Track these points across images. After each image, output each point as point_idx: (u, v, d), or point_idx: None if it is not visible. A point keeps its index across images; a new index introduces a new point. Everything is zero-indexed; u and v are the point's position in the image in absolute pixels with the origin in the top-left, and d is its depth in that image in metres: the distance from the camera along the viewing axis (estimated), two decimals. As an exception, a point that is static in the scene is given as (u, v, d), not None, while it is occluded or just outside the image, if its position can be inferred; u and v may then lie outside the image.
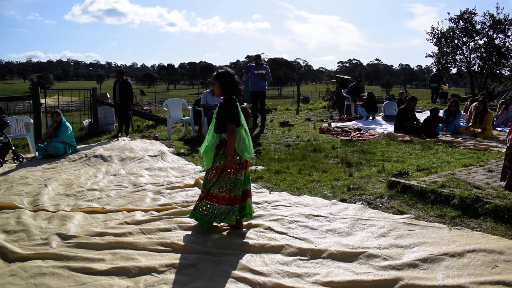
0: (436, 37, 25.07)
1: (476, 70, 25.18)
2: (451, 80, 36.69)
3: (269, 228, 4.09)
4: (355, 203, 4.85)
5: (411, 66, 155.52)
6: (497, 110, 12.72)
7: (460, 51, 25.06)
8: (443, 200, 4.65)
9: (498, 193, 4.68)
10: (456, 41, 24.85)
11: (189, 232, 4.05)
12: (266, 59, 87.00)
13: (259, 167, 6.72)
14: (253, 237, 3.93)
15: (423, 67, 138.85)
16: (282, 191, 5.42)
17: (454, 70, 26.64)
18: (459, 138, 9.38)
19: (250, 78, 11.39)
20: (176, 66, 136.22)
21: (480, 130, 9.79)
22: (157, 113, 15.78)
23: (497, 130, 10.77)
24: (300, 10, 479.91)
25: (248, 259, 3.43)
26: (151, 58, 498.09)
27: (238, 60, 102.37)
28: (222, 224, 4.17)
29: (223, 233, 4.06)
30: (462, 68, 25.92)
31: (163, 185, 5.92)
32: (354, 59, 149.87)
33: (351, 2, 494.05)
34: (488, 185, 5.07)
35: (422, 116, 11.05)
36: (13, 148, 8.09)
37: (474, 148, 8.11)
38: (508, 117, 11.40)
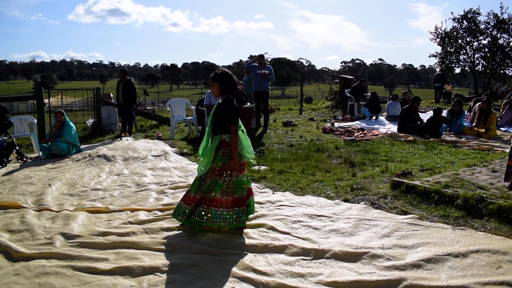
0: (439, 37, 25.00)
1: (480, 70, 25.10)
2: (454, 80, 36.60)
3: (272, 228, 4.09)
4: (358, 203, 4.84)
5: (415, 66, 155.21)
6: (501, 110, 12.66)
7: (464, 51, 25.00)
8: (447, 201, 4.64)
9: (502, 193, 4.66)
10: (459, 41, 24.77)
11: (192, 232, 4.05)
12: (269, 59, 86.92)
13: (262, 167, 6.72)
14: (256, 237, 3.93)
15: (426, 67, 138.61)
16: (285, 191, 5.42)
17: (457, 70, 26.56)
18: (463, 138, 9.35)
19: (253, 78, 11.40)
20: (179, 66, 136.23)
21: (484, 130, 9.75)
22: (160, 113, 15.79)
23: (501, 130, 10.73)
24: (303, 10, 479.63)
25: (251, 259, 3.44)
26: (154, 58, 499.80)
27: (241, 60, 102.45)
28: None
29: (226, 233, 4.06)
30: (466, 68, 25.84)
31: (166, 184, 5.93)
32: (357, 59, 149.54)
33: (354, 2, 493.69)
34: (492, 185, 5.05)
35: (425, 116, 11.02)
36: (17, 148, 8.13)
37: (478, 148, 8.09)
38: (512, 117, 11.36)
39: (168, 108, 11.26)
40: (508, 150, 5.98)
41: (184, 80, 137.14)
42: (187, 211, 4.00)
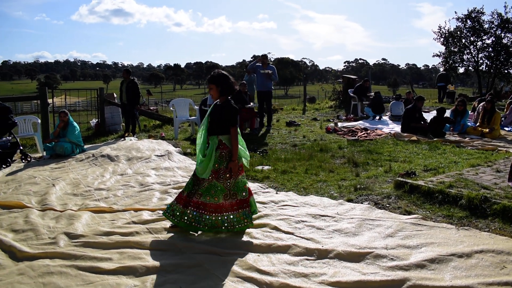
0: (443, 36, 24.97)
1: (484, 69, 25.04)
2: (458, 80, 36.45)
3: (276, 228, 4.09)
4: (362, 203, 4.83)
5: (418, 66, 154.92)
6: (505, 110, 12.62)
7: (468, 51, 24.94)
8: (451, 201, 4.63)
9: (507, 193, 4.64)
10: (463, 40, 24.73)
11: (196, 232, 4.05)
12: (272, 59, 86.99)
13: (266, 167, 6.72)
14: (259, 237, 3.93)
15: (430, 67, 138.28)
16: (289, 191, 5.42)
17: (461, 70, 26.53)
18: (467, 138, 9.32)
19: (257, 78, 11.40)
20: (183, 66, 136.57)
21: (487, 130, 9.71)
22: (163, 113, 15.83)
23: (505, 130, 10.69)
24: (306, 10, 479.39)
25: (255, 259, 3.44)
26: (158, 58, 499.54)
27: (244, 60, 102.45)
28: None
29: (229, 233, 4.06)
30: (470, 68, 25.78)
31: (169, 184, 5.94)
32: (360, 59, 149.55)
33: (357, 2, 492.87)
34: (496, 185, 5.03)
35: (429, 116, 10.99)
36: (21, 147, 8.15)
37: (482, 148, 8.06)
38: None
39: (171, 108, 11.28)
40: (512, 150, 5.95)
41: (187, 80, 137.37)
42: (178, 213, 3.97)
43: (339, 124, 11.84)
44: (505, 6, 30.01)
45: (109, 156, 7.96)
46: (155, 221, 4.39)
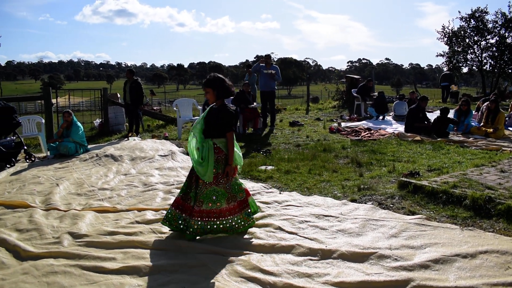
0: (447, 36, 24.86)
1: (488, 69, 24.93)
2: (462, 80, 36.34)
3: (279, 228, 4.09)
4: (365, 203, 4.82)
5: (422, 66, 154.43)
6: (509, 109, 12.56)
7: (471, 50, 24.84)
8: (455, 201, 4.61)
9: (511, 193, 4.62)
10: (467, 40, 24.62)
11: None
12: (275, 59, 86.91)
13: (269, 167, 6.72)
14: (263, 237, 3.92)
15: (433, 67, 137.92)
16: (292, 191, 5.41)
17: (465, 70, 26.41)
18: (471, 138, 9.29)
19: (260, 78, 11.40)
20: (186, 66, 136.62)
21: (491, 130, 9.68)
22: (167, 113, 15.85)
23: (509, 130, 10.63)
24: (309, 10, 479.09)
25: (258, 259, 3.43)
26: (161, 58, 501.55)
27: (247, 60, 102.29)
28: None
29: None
30: (473, 67, 25.68)
31: (173, 184, 5.94)
32: (364, 59, 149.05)
33: (360, 1, 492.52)
34: (501, 185, 5.01)
35: (432, 116, 10.95)
36: (25, 147, 8.18)
37: (486, 148, 8.03)
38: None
39: (174, 108, 11.29)
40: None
41: (191, 80, 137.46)
42: (180, 222, 3.97)
43: (343, 124, 11.82)
44: (509, 6, 29.58)
45: (113, 156, 7.97)
46: (158, 221, 4.39)
